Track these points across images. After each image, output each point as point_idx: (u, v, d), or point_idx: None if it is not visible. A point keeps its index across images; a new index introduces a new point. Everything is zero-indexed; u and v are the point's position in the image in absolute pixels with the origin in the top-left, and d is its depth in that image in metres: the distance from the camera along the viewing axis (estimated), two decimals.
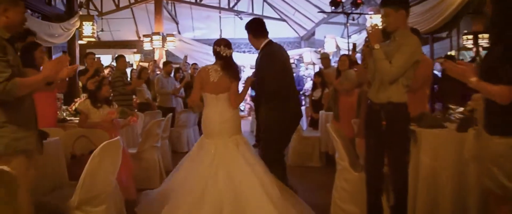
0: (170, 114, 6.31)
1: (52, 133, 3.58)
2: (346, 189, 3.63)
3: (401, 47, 3.14)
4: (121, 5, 14.36)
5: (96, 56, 7.61)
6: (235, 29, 15.62)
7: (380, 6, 3.37)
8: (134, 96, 7.69)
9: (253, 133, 9.87)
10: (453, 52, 10.08)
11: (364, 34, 10.68)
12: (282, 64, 4.27)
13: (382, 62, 3.13)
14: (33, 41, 4.87)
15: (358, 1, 9.14)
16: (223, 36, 5.60)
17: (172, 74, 8.54)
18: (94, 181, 2.87)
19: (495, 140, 2.32)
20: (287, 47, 14.84)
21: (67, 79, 4.88)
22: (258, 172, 3.71)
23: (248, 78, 4.25)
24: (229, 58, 3.98)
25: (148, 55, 15.02)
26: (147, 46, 13.20)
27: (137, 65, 12.75)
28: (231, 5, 15.44)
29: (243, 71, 13.95)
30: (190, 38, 15.17)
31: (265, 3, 16.01)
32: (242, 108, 14.96)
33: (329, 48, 12.56)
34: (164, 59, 12.06)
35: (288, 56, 4.65)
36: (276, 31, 13.45)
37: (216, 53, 3.98)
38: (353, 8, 9.37)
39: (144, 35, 13.56)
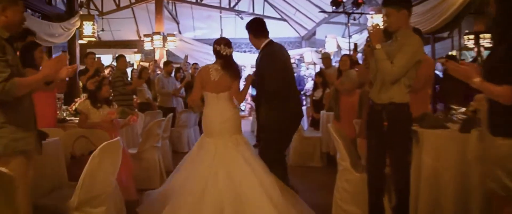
0: (171, 114, 6.29)
1: (52, 133, 3.56)
2: (347, 190, 3.62)
3: (403, 47, 3.12)
4: (121, 5, 14.36)
5: (97, 56, 7.59)
6: (235, 29, 15.62)
7: (382, 5, 3.35)
8: (134, 96, 7.67)
9: (253, 132, 9.85)
10: (454, 52, 10.05)
11: (365, 34, 10.66)
12: (283, 64, 4.25)
13: (384, 62, 3.12)
14: (33, 41, 4.85)
15: (359, 1, 9.12)
16: (224, 36, 5.59)
17: (172, 74, 8.52)
18: (93, 182, 2.85)
19: (498, 141, 2.29)
20: (288, 47, 14.82)
21: (67, 79, 4.86)
22: (258, 172, 3.70)
23: (248, 75, 4.27)
24: (229, 57, 3.98)
25: (148, 55, 15.01)
26: (147, 46, 13.19)
27: (137, 65, 12.74)
28: (232, 4, 15.42)
29: (244, 71, 13.92)
30: (191, 38, 15.17)
31: (266, 3, 16.00)
32: (243, 108, 14.94)
33: (330, 48, 12.55)
34: (164, 59, 12.04)
35: (289, 56, 4.64)
36: (277, 31, 13.44)
37: (216, 52, 3.99)
38: (354, 8, 9.35)
39: (144, 35, 13.55)
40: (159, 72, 9.49)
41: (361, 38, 10.72)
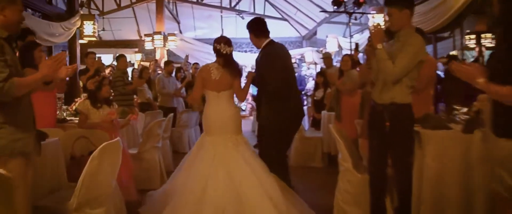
0: (171, 114, 6.26)
1: (52, 134, 3.53)
2: (349, 191, 3.59)
3: (405, 47, 3.10)
4: (122, 5, 14.34)
5: (97, 55, 7.58)
6: (236, 29, 15.60)
7: (384, 5, 3.33)
8: (135, 96, 7.65)
9: (254, 132, 9.82)
10: (455, 52, 10.02)
11: (366, 34, 10.64)
12: (283, 64, 4.23)
13: (385, 62, 3.09)
14: (32, 41, 4.83)
15: (360, 1, 9.09)
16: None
17: (173, 74, 8.49)
18: (93, 183, 2.82)
19: (502, 142, 2.27)
20: (289, 47, 14.77)
21: (67, 79, 4.84)
22: (258, 172, 3.71)
23: (249, 73, 4.29)
24: (229, 56, 4.00)
25: (149, 55, 15.00)
26: (148, 45, 13.17)
27: (138, 65, 12.71)
28: (233, 4, 15.41)
29: (245, 70, 13.91)
30: (192, 38, 15.14)
31: (266, 3, 15.99)
32: (243, 107, 14.92)
33: (331, 47, 12.53)
34: (165, 58, 12.02)
35: (290, 55, 4.62)
36: (278, 30, 13.42)
37: (216, 51, 4.00)
38: (355, 8, 9.32)
39: (145, 35, 13.53)
40: (159, 72, 9.47)
41: (362, 38, 10.70)
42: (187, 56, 10.05)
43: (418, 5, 7.33)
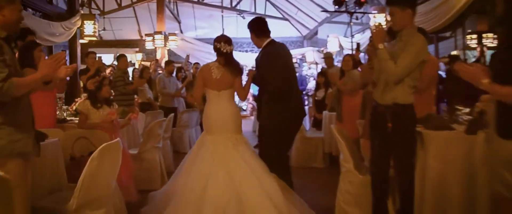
0: (172, 114, 6.24)
1: (51, 134, 3.51)
2: (350, 192, 3.56)
3: (407, 47, 3.08)
4: (123, 4, 14.32)
5: (98, 55, 7.56)
6: (237, 29, 15.58)
7: (386, 4, 3.31)
8: (135, 96, 7.63)
9: (255, 132, 9.79)
10: (455, 52, 10.00)
11: (367, 34, 10.62)
12: (283, 64, 4.21)
13: (387, 62, 3.07)
14: (32, 40, 4.81)
15: (362, 0, 9.06)
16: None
17: (174, 74, 8.47)
18: (93, 184, 2.80)
19: (506, 144, 2.25)
20: (290, 47, 14.65)
21: (67, 78, 4.82)
22: (258, 172, 3.70)
23: (250, 70, 4.27)
24: (230, 55, 3.99)
25: (150, 55, 14.99)
26: (149, 45, 13.15)
27: (139, 65, 12.70)
28: (234, 4, 15.39)
29: (246, 70, 13.90)
30: (192, 38, 15.13)
31: (267, 2, 15.97)
32: (244, 107, 14.91)
33: (332, 47, 12.51)
34: (166, 58, 11.99)
35: (291, 55, 4.59)
36: (279, 30, 13.39)
37: (216, 49, 4.00)
38: (357, 7, 9.29)
39: (146, 34, 13.51)
40: (160, 72, 9.45)
41: (363, 38, 10.68)
42: (187, 56, 10.04)
43: (419, 4, 7.28)
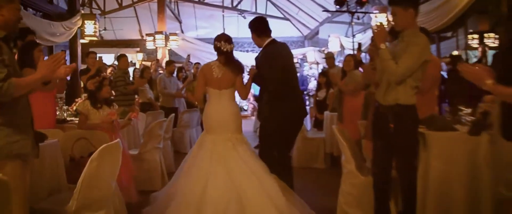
0: (173, 114, 6.22)
1: (51, 135, 3.49)
2: (352, 194, 3.54)
3: (409, 47, 3.05)
4: (124, 4, 14.29)
5: (99, 55, 7.54)
6: (238, 28, 15.55)
7: (388, 4, 3.28)
8: (136, 96, 7.61)
9: (256, 132, 9.78)
10: (456, 52, 9.97)
11: (369, 34, 10.60)
12: (282, 64, 4.19)
13: (388, 63, 3.05)
14: (31, 40, 4.80)
15: (363, 0, 9.03)
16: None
17: (174, 74, 8.45)
18: (92, 186, 2.78)
19: (511, 145, 2.22)
20: (291, 47, 14.62)
21: (68, 78, 4.80)
22: (258, 173, 3.69)
23: (251, 69, 4.24)
24: (230, 53, 3.99)
25: (151, 55, 14.98)
26: (150, 45, 13.14)
27: (140, 65, 12.67)
28: (235, 4, 15.37)
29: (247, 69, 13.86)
30: (193, 37, 15.11)
31: (268, 2, 15.94)
32: (245, 107, 14.89)
33: (333, 47, 12.49)
34: (167, 58, 11.98)
35: (292, 55, 4.56)
36: (280, 30, 13.37)
37: (216, 48, 4.00)
38: (358, 7, 9.27)
39: (147, 34, 13.50)
40: (161, 72, 9.42)
41: (364, 38, 10.65)
42: (188, 56, 10.03)
43: (421, 4, 7.26)
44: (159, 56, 12.91)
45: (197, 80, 4.17)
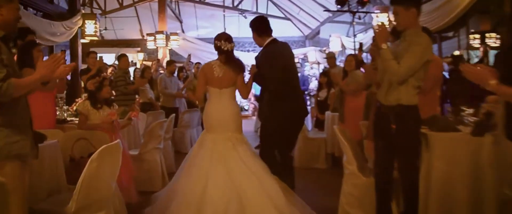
0: (173, 114, 6.20)
1: (51, 135, 3.47)
2: (354, 194, 3.52)
3: (411, 47, 3.02)
4: (124, 4, 14.27)
5: (99, 55, 7.53)
6: (239, 28, 15.54)
7: (390, 4, 3.25)
8: (137, 96, 7.60)
9: (256, 132, 9.76)
10: (457, 52, 9.94)
11: (370, 33, 10.57)
12: (283, 64, 4.18)
13: (390, 63, 3.03)
14: (31, 40, 4.78)
15: (364, 0, 9.00)
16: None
17: (175, 74, 8.44)
18: (92, 186, 2.76)
19: None
20: (292, 46, 14.67)
21: (68, 78, 4.78)
22: (258, 173, 3.68)
23: (252, 67, 4.22)
24: (230, 52, 3.99)
25: (151, 54, 14.96)
26: (150, 45, 13.14)
27: (140, 65, 12.66)
28: (235, 3, 15.35)
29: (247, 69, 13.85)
30: (194, 37, 15.11)
31: (269, 2, 15.91)
32: (246, 107, 14.87)
33: (334, 47, 12.47)
34: (167, 58, 11.97)
35: (293, 55, 4.55)
36: (281, 30, 13.35)
37: (217, 48, 4.00)
38: (359, 7, 9.25)
39: (147, 34, 13.50)
40: (161, 71, 9.41)
41: (366, 38, 10.62)
42: (189, 56, 10.03)
43: (423, 4, 7.24)
44: (159, 56, 12.91)
45: (198, 79, 4.16)
